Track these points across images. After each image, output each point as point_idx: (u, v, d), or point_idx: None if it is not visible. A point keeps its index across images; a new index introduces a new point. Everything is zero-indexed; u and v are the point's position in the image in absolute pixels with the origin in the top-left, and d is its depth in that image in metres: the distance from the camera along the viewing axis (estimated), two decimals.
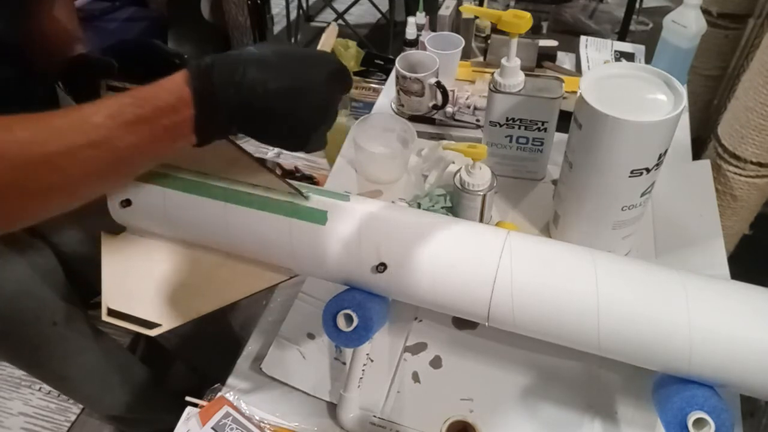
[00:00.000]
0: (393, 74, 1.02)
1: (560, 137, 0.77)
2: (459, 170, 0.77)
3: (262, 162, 0.57)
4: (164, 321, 0.61)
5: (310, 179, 1.98)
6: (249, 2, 1.87)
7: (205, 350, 1.20)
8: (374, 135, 0.90)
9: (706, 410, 0.48)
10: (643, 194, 0.67)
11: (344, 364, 0.67)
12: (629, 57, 1.15)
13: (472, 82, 1.09)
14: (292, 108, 0.48)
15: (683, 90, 0.63)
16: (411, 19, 1.25)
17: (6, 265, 0.77)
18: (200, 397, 0.63)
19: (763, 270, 0.83)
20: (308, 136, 0.51)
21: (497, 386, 0.65)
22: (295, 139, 0.51)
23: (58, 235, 0.83)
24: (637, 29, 2.16)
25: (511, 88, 0.79)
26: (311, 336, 0.70)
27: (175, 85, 0.46)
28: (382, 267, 0.55)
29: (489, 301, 0.54)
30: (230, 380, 0.67)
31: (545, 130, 0.82)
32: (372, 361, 0.67)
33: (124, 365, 1.06)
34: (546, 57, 1.15)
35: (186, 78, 0.46)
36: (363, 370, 0.62)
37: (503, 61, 0.78)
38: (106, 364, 0.99)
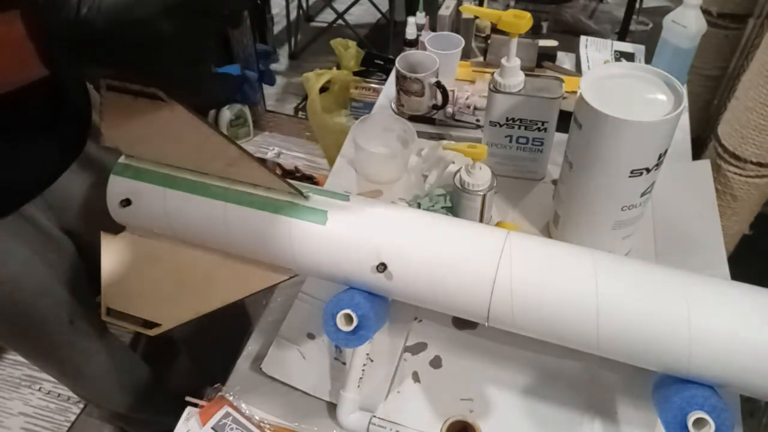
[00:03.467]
0: (393, 74, 1.02)
1: (560, 137, 0.77)
2: (459, 170, 0.77)
3: (262, 162, 0.57)
4: (164, 321, 0.61)
5: (310, 179, 1.98)
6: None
7: (207, 347, 1.21)
8: (374, 135, 0.90)
9: (706, 410, 0.48)
10: (643, 194, 0.67)
11: (344, 364, 0.67)
12: (629, 57, 1.15)
13: (472, 82, 1.09)
14: (135, 45, 0.44)
15: (683, 90, 0.63)
16: (411, 19, 1.25)
17: (26, 265, 0.78)
18: (200, 398, 0.63)
19: (763, 270, 0.83)
20: (175, 77, 0.47)
21: (497, 386, 0.65)
22: (160, 74, 0.47)
23: (91, 233, 0.84)
24: (637, 29, 2.16)
25: (511, 88, 0.79)
26: (311, 336, 0.70)
27: (12, 17, 0.43)
28: (382, 267, 0.55)
29: (489, 301, 0.54)
30: (230, 380, 0.67)
31: (545, 130, 0.82)
32: (372, 361, 0.67)
33: (131, 364, 1.07)
34: (546, 57, 1.15)
35: (20, 14, 0.43)
36: (363, 370, 0.62)
37: (503, 61, 0.78)
38: (117, 361, 1.01)
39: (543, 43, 1.15)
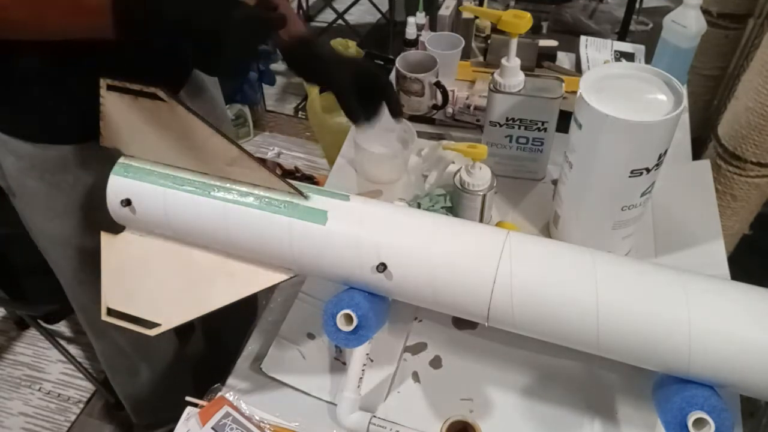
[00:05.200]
0: (393, 74, 1.02)
1: (560, 137, 0.77)
2: (459, 170, 0.77)
3: (262, 162, 0.57)
4: (164, 321, 0.61)
5: (310, 179, 1.98)
6: None
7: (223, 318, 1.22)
8: (374, 135, 0.90)
9: (706, 410, 0.48)
10: (643, 194, 0.67)
11: (344, 364, 0.67)
12: (629, 57, 1.15)
13: (472, 82, 1.09)
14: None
15: (683, 90, 0.63)
16: (411, 19, 1.25)
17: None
18: (201, 397, 0.63)
19: (763, 270, 0.83)
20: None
21: (497, 386, 0.65)
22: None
23: None
24: (637, 29, 2.16)
25: (511, 88, 0.79)
26: (311, 336, 0.70)
27: None
28: (382, 267, 0.55)
29: (489, 301, 0.54)
30: (230, 380, 0.67)
31: (545, 130, 0.82)
32: (372, 361, 0.67)
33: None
34: (546, 57, 1.15)
35: None
36: (363, 370, 0.62)
37: (503, 61, 0.78)
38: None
39: (543, 43, 1.15)
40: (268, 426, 0.62)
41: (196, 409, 0.62)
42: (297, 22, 0.74)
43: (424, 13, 1.27)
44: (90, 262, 0.85)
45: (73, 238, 0.81)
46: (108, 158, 0.64)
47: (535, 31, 1.20)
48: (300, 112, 2.21)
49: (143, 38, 0.55)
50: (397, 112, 0.73)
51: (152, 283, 0.63)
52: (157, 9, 0.52)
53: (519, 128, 0.83)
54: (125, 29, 0.53)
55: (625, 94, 0.64)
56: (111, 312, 0.63)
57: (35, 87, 0.68)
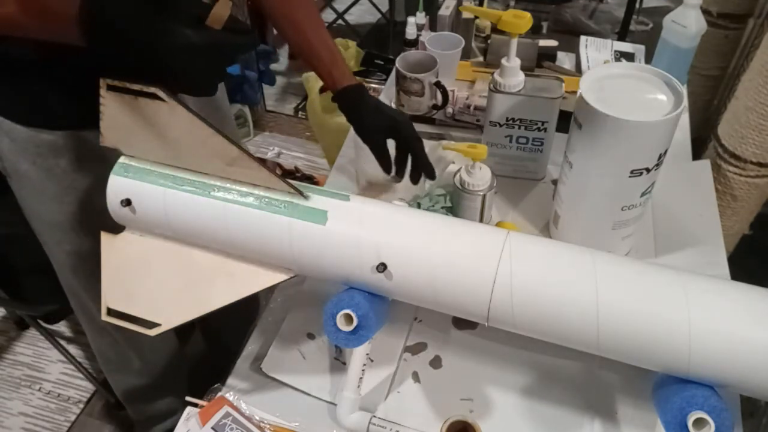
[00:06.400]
0: (393, 74, 1.02)
1: (560, 137, 0.77)
2: (459, 170, 0.77)
3: (262, 162, 0.57)
4: (164, 321, 0.61)
5: (310, 179, 1.98)
6: (249, 2, 1.87)
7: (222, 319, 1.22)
8: None
9: (706, 410, 0.48)
10: (643, 194, 0.67)
11: (344, 364, 0.68)
12: (629, 57, 1.15)
13: (472, 82, 1.09)
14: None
15: (683, 90, 0.63)
16: (411, 19, 1.25)
17: None
18: (201, 397, 0.63)
19: (763, 270, 0.83)
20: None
21: (497, 386, 0.65)
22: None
23: None
24: (637, 29, 2.16)
25: (511, 88, 0.79)
26: (311, 336, 0.70)
27: None
28: (382, 267, 0.55)
29: (489, 301, 0.54)
30: (230, 380, 0.67)
31: (545, 130, 0.82)
32: (372, 361, 0.67)
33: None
34: (546, 57, 1.15)
35: None
36: (363, 370, 0.62)
37: (503, 61, 0.78)
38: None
39: (543, 43, 1.15)
40: (268, 426, 0.62)
41: (196, 409, 0.62)
42: (346, 74, 0.81)
43: (424, 13, 1.27)
44: (84, 250, 0.85)
45: (66, 223, 0.82)
46: (102, 151, 0.64)
47: (535, 31, 1.20)
48: (300, 112, 2.21)
49: (108, 52, 0.54)
50: (430, 176, 0.78)
51: (152, 283, 0.63)
52: (117, 26, 0.51)
53: (519, 128, 0.83)
54: (91, 41, 0.53)
55: (625, 94, 0.64)
56: (111, 312, 0.63)
57: (28, 72, 0.68)
